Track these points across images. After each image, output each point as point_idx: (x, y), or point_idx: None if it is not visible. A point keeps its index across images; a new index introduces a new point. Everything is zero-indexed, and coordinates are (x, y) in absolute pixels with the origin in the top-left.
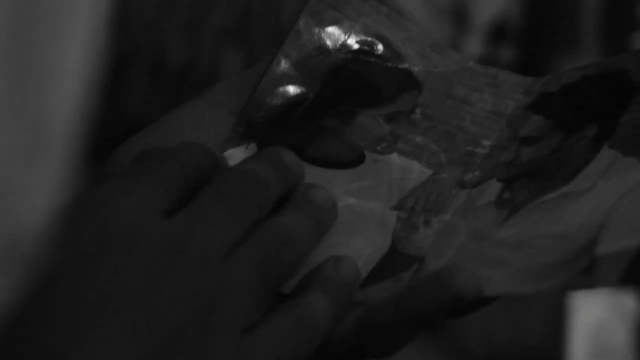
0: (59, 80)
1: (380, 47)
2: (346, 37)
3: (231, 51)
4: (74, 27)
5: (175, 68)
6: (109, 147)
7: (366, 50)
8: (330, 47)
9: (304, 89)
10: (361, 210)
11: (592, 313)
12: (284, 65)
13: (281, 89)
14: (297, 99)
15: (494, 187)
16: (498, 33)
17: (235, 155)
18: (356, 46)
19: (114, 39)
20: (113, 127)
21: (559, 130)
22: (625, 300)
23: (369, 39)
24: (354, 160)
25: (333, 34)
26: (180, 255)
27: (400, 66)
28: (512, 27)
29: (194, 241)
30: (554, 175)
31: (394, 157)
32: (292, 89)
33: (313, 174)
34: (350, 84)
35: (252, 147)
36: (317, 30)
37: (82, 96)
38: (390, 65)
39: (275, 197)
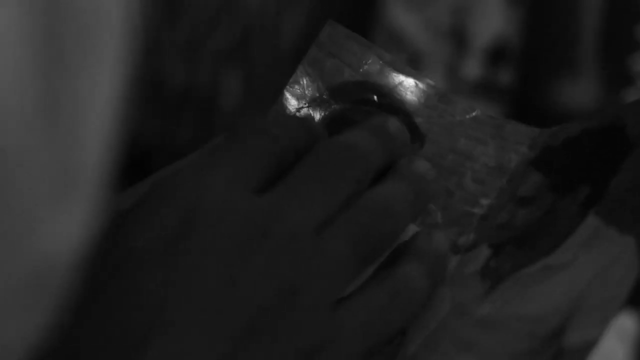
0: (89, 114)
1: (382, 97)
2: (347, 86)
3: (230, 73)
4: (102, 60)
5: (175, 90)
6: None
7: (367, 99)
8: (331, 96)
9: None
10: None
11: None
12: (285, 113)
13: None
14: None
15: (483, 253)
16: (497, 55)
17: None
18: (357, 96)
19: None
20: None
21: (553, 190)
22: (624, 319)
23: (371, 88)
24: None
25: (333, 83)
26: (267, 235)
27: (402, 116)
28: (511, 49)
29: (281, 219)
30: (538, 244)
31: None
32: None
33: None
34: None
35: None
36: (317, 79)
37: (111, 129)
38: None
39: (378, 168)
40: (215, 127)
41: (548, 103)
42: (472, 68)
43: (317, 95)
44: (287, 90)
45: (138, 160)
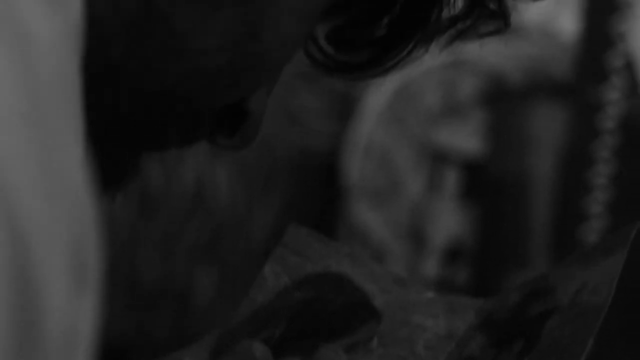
0: None
1: (340, 286)
2: (309, 277)
3: (204, 269)
4: None
5: (151, 285)
6: None
7: (329, 289)
8: (294, 289)
9: (270, 329)
10: None
11: None
12: (250, 309)
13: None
14: (264, 338)
15: None
16: (453, 254)
17: None
18: (319, 286)
19: None
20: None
21: (493, 347)
22: None
23: (331, 278)
24: None
25: (297, 278)
26: None
27: (361, 301)
28: (466, 249)
29: None
30: None
31: None
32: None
33: None
34: (312, 322)
35: None
36: (281, 275)
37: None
38: (350, 300)
39: None
40: (191, 322)
41: None
42: (432, 266)
43: (283, 289)
44: (255, 287)
45: (116, 357)
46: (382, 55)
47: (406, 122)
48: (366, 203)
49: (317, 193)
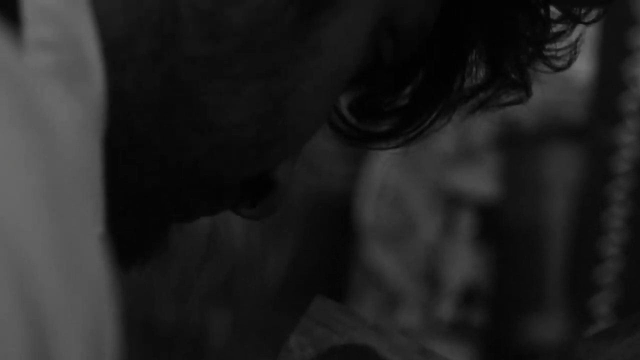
0: None
1: (366, 356)
2: (335, 350)
3: (218, 313)
4: None
5: (165, 331)
6: None
7: None
8: (319, 359)
9: None
10: None
11: None
12: None
13: None
14: None
15: None
16: (469, 297)
17: None
18: (343, 358)
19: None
20: None
21: None
22: None
23: (356, 350)
24: None
25: (322, 350)
26: None
27: None
28: (481, 291)
29: None
30: None
31: None
32: None
33: None
34: None
35: None
36: (307, 346)
37: None
38: None
39: None
40: None
41: (517, 341)
42: (447, 309)
43: None
44: (280, 358)
45: None
46: (404, 125)
47: (420, 165)
48: (380, 245)
49: (331, 235)
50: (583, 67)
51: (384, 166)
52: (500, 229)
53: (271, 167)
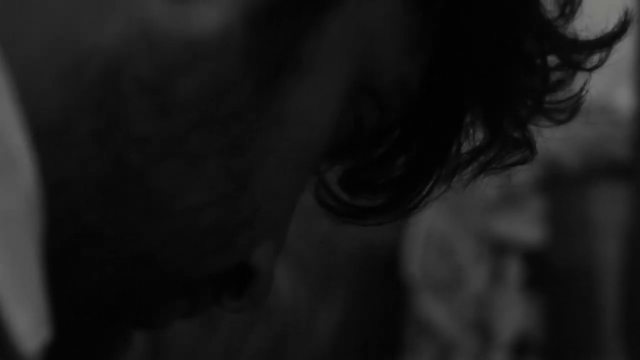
0: None
1: None
2: None
3: None
4: None
5: None
6: None
7: None
8: None
9: None
10: None
11: None
12: None
13: None
14: None
15: None
16: (522, 347)
17: None
18: None
19: None
20: None
21: None
22: None
23: None
24: None
25: None
26: None
27: None
28: (534, 340)
29: None
30: None
31: None
32: None
33: None
34: None
35: None
36: None
37: None
38: None
39: None
40: None
41: None
42: None
43: None
44: None
45: None
46: (402, 197)
47: (465, 212)
48: (430, 296)
49: (381, 287)
50: (625, 101)
51: (429, 213)
52: (550, 274)
53: (240, 258)
